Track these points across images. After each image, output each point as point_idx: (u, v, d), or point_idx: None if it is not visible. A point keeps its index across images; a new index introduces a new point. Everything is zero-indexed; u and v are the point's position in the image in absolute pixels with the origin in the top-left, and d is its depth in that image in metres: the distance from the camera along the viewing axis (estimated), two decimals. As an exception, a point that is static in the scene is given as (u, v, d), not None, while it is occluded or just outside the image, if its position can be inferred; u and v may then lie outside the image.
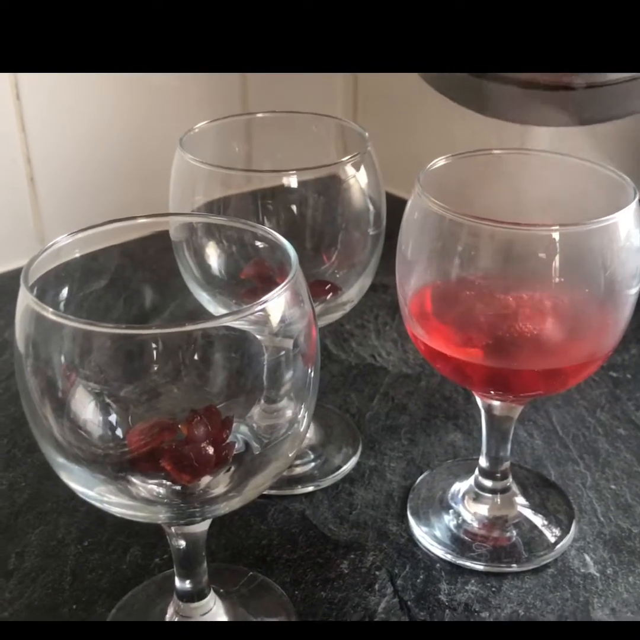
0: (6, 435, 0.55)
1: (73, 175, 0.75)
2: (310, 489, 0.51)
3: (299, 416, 0.36)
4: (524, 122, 0.42)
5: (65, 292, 0.39)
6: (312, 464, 0.53)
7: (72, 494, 0.49)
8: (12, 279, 0.72)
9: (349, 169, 0.45)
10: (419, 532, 0.48)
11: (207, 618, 0.41)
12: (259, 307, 0.32)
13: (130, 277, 0.51)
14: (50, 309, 0.31)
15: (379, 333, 0.67)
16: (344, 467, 0.53)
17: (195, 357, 0.36)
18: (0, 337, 0.65)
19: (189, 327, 0.31)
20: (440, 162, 0.43)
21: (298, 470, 0.52)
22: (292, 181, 0.44)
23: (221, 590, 0.43)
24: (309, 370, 0.36)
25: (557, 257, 0.39)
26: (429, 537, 0.47)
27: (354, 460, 0.53)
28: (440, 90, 0.49)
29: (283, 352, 0.35)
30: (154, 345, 0.34)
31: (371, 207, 0.46)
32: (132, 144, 0.77)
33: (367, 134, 0.47)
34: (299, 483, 0.51)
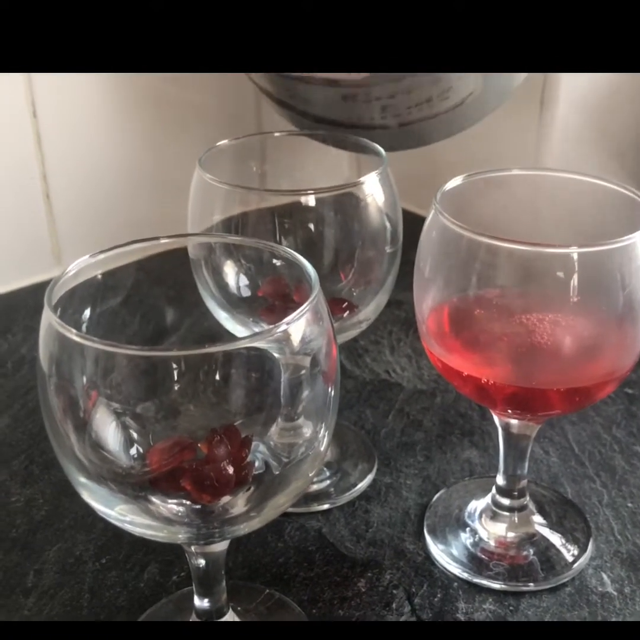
0: (24, 451, 0.55)
1: (89, 193, 0.75)
2: (327, 506, 0.51)
3: (319, 435, 0.36)
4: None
5: (83, 308, 0.39)
6: (328, 481, 0.53)
7: (89, 511, 0.50)
8: (29, 294, 0.73)
9: (366, 188, 0.45)
10: (436, 550, 0.48)
11: (226, 637, 0.41)
12: (281, 328, 0.32)
13: (147, 292, 0.51)
14: (74, 331, 0.31)
15: (393, 349, 0.67)
16: (360, 485, 0.53)
17: (216, 376, 0.36)
18: (17, 352, 0.65)
19: (211, 349, 0.31)
20: (457, 181, 0.43)
21: (314, 487, 0.52)
22: (309, 200, 0.44)
23: (239, 608, 0.43)
24: (329, 389, 0.36)
25: (575, 277, 0.39)
26: (446, 555, 0.47)
27: (369, 478, 0.53)
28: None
29: (303, 371, 0.35)
30: (174, 366, 0.34)
31: (388, 225, 0.47)
32: (147, 161, 0.77)
33: (383, 151, 0.47)
34: (316, 500, 0.51)
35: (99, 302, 0.41)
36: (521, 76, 0.57)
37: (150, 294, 0.54)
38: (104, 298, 0.41)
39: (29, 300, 0.72)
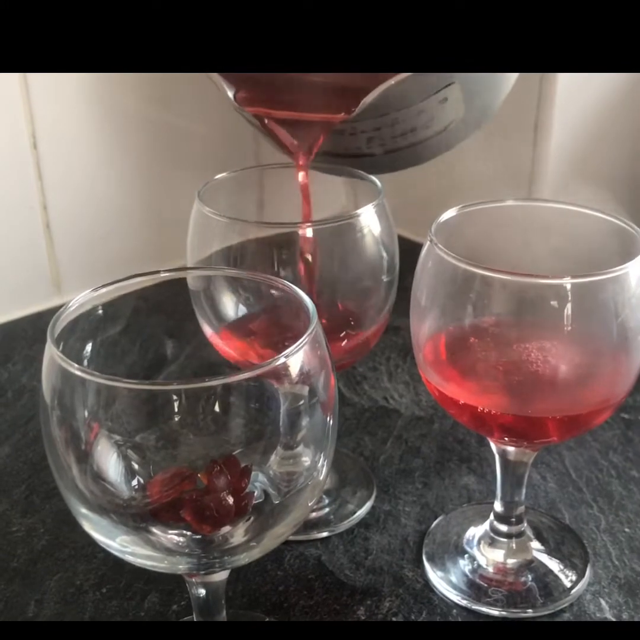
0: (24, 481, 0.55)
1: (89, 223, 0.76)
2: (326, 534, 0.51)
3: (318, 464, 0.36)
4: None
5: (84, 339, 0.40)
6: (327, 509, 0.53)
7: (90, 540, 0.50)
8: (29, 323, 0.73)
9: (363, 219, 0.46)
10: (435, 577, 0.48)
11: (226, 666, 0.41)
12: (280, 361, 0.33)
13: (145, 321, 0.52)
14: (75, 365, 0.32)
15: (391, 375, 0.67)
16: (359, 512, 0.53)
17: (215, 408, 0.36)
18: (17, 382, 0.65)
19: (211, 383, 0.32)
20: (451, 212, 0.44)
21: (313, 515, 0.52)
22: (307, 232, 0.45)
23: (239, 638, 0.43)
24: (328, 419, 0.36)
25: (569, 306, 0.39)
26: (445, 582, 0.48)
27: (368, 505, 0.53)
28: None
29: (302, 401, 0.35)
30: (174, 398, 0.35)
31: (385, 255, 0.47)
32: (146, 191, 0.78)
33: (379, 184, 0.48)
34: (315, 528, 0.52)
35: (100, 333, 0.41)
36: (503, 94, 0.58)
37: (149, 324, 0.54)
38: (104, 329, 0.42)
39: (29, 329, 0.72)
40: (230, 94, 0.52)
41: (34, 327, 0.73)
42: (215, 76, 0.52)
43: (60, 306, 0.78)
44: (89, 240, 0.76)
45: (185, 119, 0.78)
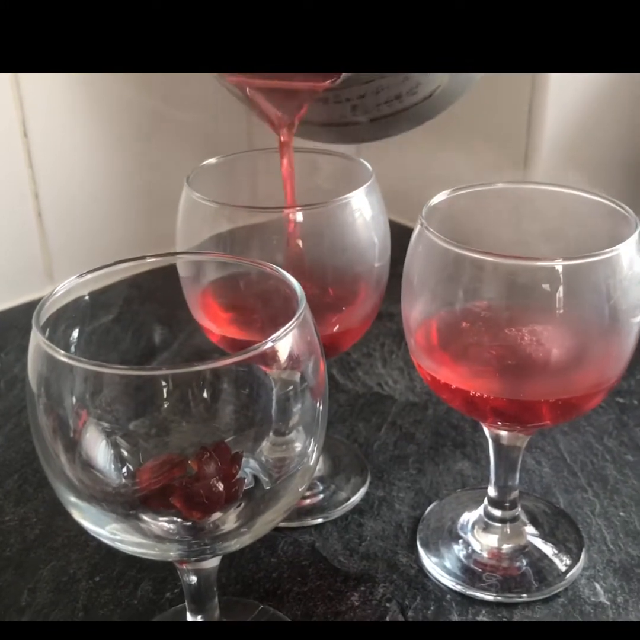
0: (17, 471, 0.55)
1: (81, 211, 0.75)
2: (320, 520, 0.51)
3: (309, 450, 0.36)
4: (327, 143, 0.55)
5: (74, 326, 0.40)
6: (321, 496, 0.53)
7: (82, 529, 0.50)
8: (21, 313, 0.73)
9: (354, 203, 0.45)
10: (429, 563, 0.48)
11: (219, 653, 0.41)
12: (268, 345, 0.33)
13: (137, 309, 0.52)
14: (62, 351, 0.32)
15: (385, 361, 0.67)
16: (353, 498, 0.53)
17: (205, 393, 0.36)
18: (10, 372, 0.65)
19: (199, 367, 0.32)
20: (442, 196, 0.44)
21: (307, 501, 0.52)
22: (297, 217, 0.45)
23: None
24: (318, 404, 0.36)
25: (560, 289, 0.39)
26: (439, 567, 0.47)
27: (362, 491, 0.53)
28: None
29: (291, 387, 0.35)
30: (163, 384, 0.34)
31: (376, 240, 0.47)
32: (138, 178, 0.78)
33: (371, 168, 0.48)
34: (309, 515, 0.51)
35: (89, 321, 0.41)
36: None
37: (141, 311, 0.54)
38: (94, 316, 0.42)
39: (22, 319, 0.72)
40: None
41: (26, 317, 0.71)
42: None
43: (53, 295, 0.77)
44: (81, 228, 0.76)
45: (177, 105, 0.77)
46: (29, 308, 0.73)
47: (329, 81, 0.48)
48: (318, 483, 0.54)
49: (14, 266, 0.74)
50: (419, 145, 0.84)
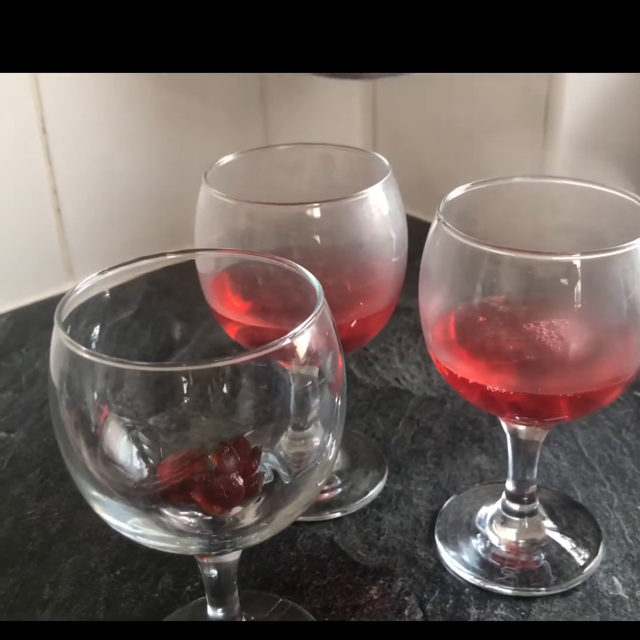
0: (39, 465, 0.56)
1: (100, 207, 0.76)
2: (338, 514, 0.51)
3: (327, 445, 0.37)
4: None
5: (94, 323, 0.40)
6: (339, 490, 0.53)
7: (104, 523, 0.50)
8: (41, 309, 0.74)
9: (372, 199, 0.45)
10: (447, 556, 0.48)
11: (240, 646, 0.41)
12: (287, 341, 0.33)
13: (156, 305, 0.52)
14: (83, 348, 0.32)
15: (402, 356, 0.67)
16: (371, 492, 0.53)
17: (224, 389, 0.36)
18: (31, 367, 0.66)
19: (219, 363, 0.32)
20: (459, 190, 0.44)
21: (325, 495, 0.53)
22: (315, 212, 0.45)
23: (252, 618, 0.44)
24: (336, 399, 0.36)
25: (578, 284, 0.39)
26: (457, 561, 0.48)
27: (380, 485, 0.54)
28: None
29: (310, 382, 0.35)
30: (183, 380, 0.35)
31: (393, 235, 0.47)
32: (157, 173, 0.78)
33: (388, 163, 0.48)
34: (327, 509, 0.52)
35: (110, 317, 0.41)
36: None
37: (160, 307, 0.54)
38: (114, 312, 0.42)
39: (42, 315, 0.73)
40: None
41: (46, 313, 0.73)
42: None
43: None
44: (100, 224, 0.76)
45: (196, 101, 0.77)
46: (49, 304, 0.74)
47: None
48: (336, 477, 0.54)
49: (33, 262, 0.74)
50: (434, 138, 0.84)
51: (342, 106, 0.88)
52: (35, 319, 0.72)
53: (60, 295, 0.78)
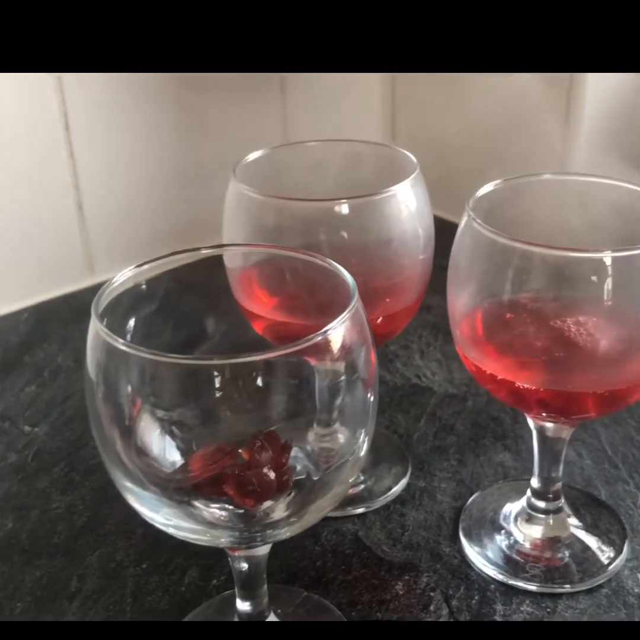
0: (63, 459, 0.56)
1: (121, 202, 0.76)
2: (362, 510, 0.52)
3: (359, 441, 0.37)
4: None
5: (124, 317, 0.40)
6: (363, 485, 0.53)
7: (129, 517, 0.51)
8: (63, 304, 0.74)
9: (399, 196, 0.45)
10: (472, 552, 0.48)
11: (268, 639, 0.42)
12: (321, 336, 0.33)
13: (180, 300, 0.52)
14: (120, 340, 0.32)
15: (423, 353, 0.67)
16: (395, 488, 0.53)
17: (256, 383, 0.36)
18: (53, 362, 0.66)
19: (254, 358, 0.32)
20: (489, 187, 0.44)
21: (349, 491, 0.53)
22: (343, 208, 0.45)
23: (279, 611, 0.44)
24: (368, 395, 0.36)
25: (608, 281, 0.39)
26: (482, 557, 0.48)
27: (404, 482, 0.54)
28: None
29: (342, 378, 0.35)
30: (216, 374, 0.35)
31: (421, 232, 0.47)
32: (179, 170, 0.78)
33: (415, 159, 0.48)
34: (351, 504, 0.52)
35: (137, 311, 0.42)
36: None
37: (184, 302, 0.55)
38: (141, 307, 0.42)
39: (64, 309, 0.73)
40: None
41: (68, 307, 0.73)
42: None
43: (94, 286, 0.79)
44: (122, 220, 0.77)
45: (216, 97, 0.78)
46: (70, 299, 0.75)
47: None
48: (360, 473, 0.54)
49: (54, 257, 0.74)
50: (453, 134, 0.84)
51: (361, 101, 0.88)
52: (57, 314, 0.73)
53: (81, 291, 0.78)
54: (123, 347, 0.32)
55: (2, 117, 0.68)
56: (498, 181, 0.44)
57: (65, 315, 0.72)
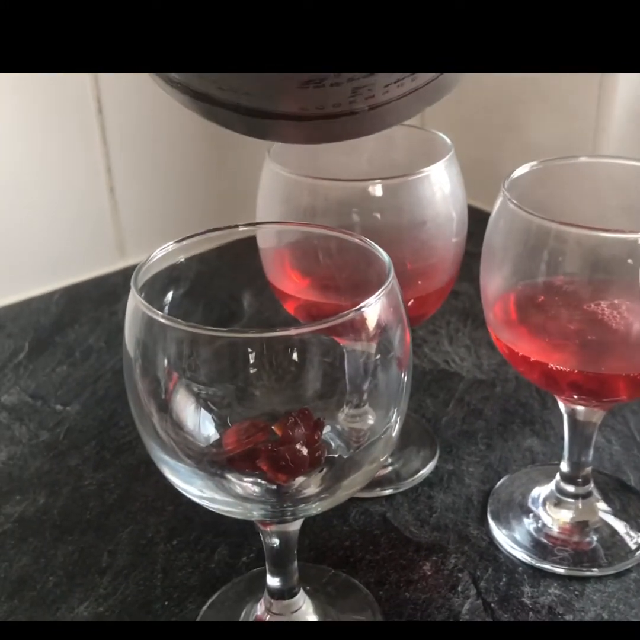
0: (94, 437, 0.56)
1: (152, 186, 0.77)
2: (390, 491, 0.52)
3: (392, 420, 0.37)
4: (309, 143, 0.41)
5: (158, 293, 0.40)
6: (391, 468, 0.54)
7: (160, 494, 0.51)
8: (94, 286, 0.75)
9: (433, 177, 0.46)
10: (500, 535, 0.48)
11: (298, 615, 0.42)
12: (356, 313, 0.33)
13: (212, 280, 0.52)
14: (159, 312, 0.33)
15: (451, 339, 0.67)
16: (423, 471, 0.53)
17: (291, 360, 0.37)
18: (85, 342, 0.67)
19: (289, 332, 0.32)
20: (524, 168, 0.44)
21: (377, 472, 0.53)
22: (377, 189, 0.45)
23: (308, 588, 0.44)
24: (402, 375, 0.37)
25: (644, 263, 0.39)
26: (510, 540, 0.48)
27: (432, 465, 0.54)
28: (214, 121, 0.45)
29: (378, 356, 0.36)
30: (250, 349, 0.35)
31: (454, 215, 0.47)
32: (211, 153, 0.79)
33: (450, 141, 0.48)
34: (379, 485, 0.52)
35: (172, 288, 0.42)
36: None
37: (216, 282, 0.55)
38: (176, 284, 0.43)
39: (94, 292, 0.74)
40: None
41: (99, 290, 0.74)
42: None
43: (125, 269, 0.80)
44: (153, 204, 0.77)
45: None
46: (100, 282, 0.76)
47: None
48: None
49: (86, 240, 0.75)
50: (487, 123, 0.84)
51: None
52: (88, 296, 0.73)
53: (112, 274, 0.79)
54: (162, 320, 0.32)
55: (36, 100, 0.69)
56: (534, 162, 0.44)
57: (96, 296, 0.73)
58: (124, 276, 0.74)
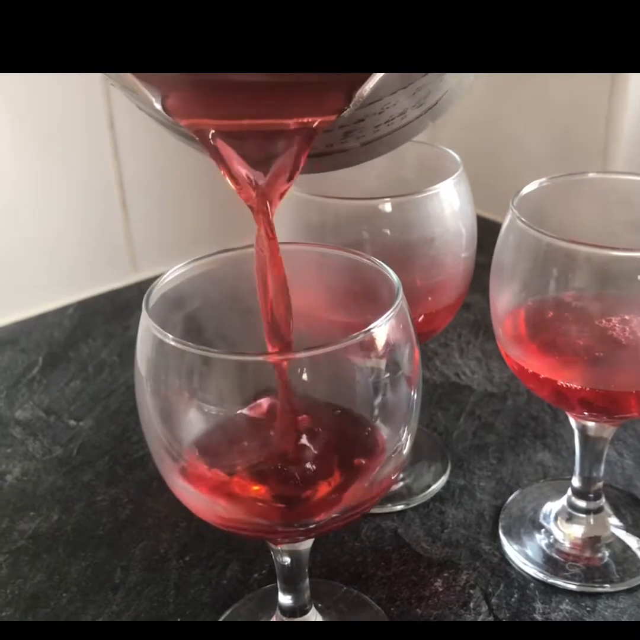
0: (107, 453, 0.57)
1: (164, 201, 0.77)
2: (401, 507, 0.52)
3: (402, 438, 0.37)
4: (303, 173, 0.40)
5: (169, 313, 0.41)
6: (402, 483, 0.54)
7: (172, 510, 0.52)
8: (107, 300, 0.75)
9: (443, 194, 0.46)
10: (512, 551, 0.48)
11: (309, 633, 0.42)
12: (366, 334, 0.33)
13: (222, 298, 0.53)
14: (170, 335, 0.33)
15: (462, 352, 0.68)
16: (434, 486, 0.53)
17: (302, 379, 0.37)
18: (97, 357, 0.67)
19: (300, 355, 0.33)
20: (533, 185, 0.44)
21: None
22: (386, 207, 0.45)
23: (320, 605, 0.44)
24: (412, 393, 0.37)
25: (653, 280, 0.39)
26: (522, 556, 0.48)
27: (443, 479, 0.54)
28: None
29: (387, 375, 0.36)
30: (261, 370, 0.35)
31: (464, 231, 0.47)
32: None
33: (459, 158, 0.48)
34: (390, 501, 0.52)
35: (182, 308, 0.42)
36: None
37: (225, 301, 0.55)
38: (186, 304, 0.43)
39: (107, 306, 0.74)
40: (156, 103, 0.38)
41: (112, 304, 0.74)
42: (129, 78, 0.36)
43: (137, 283, 0.80)
44: (165, 218, 0.78)
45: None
46: (114, 296, 0.76)
47: (331, 115, 0.35)
48: (399, 470, 0.55)
49: (98, 255, 0.76)
50: (494, 138, 0.84)
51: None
52: (101, 311, 0.74)
53: (125, 288, 0.79)
54: (172, 343, 0.33)
55: (49, 116, 0.69)
56: (542, 179, 0.44)
57: (109, 311, 0.73)
58: (137, 290, 0.75)
